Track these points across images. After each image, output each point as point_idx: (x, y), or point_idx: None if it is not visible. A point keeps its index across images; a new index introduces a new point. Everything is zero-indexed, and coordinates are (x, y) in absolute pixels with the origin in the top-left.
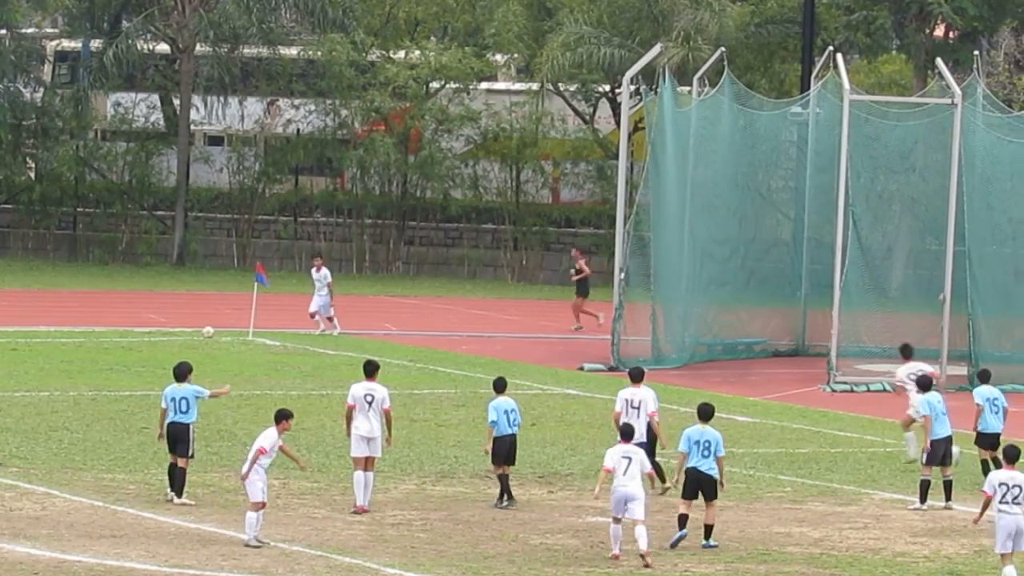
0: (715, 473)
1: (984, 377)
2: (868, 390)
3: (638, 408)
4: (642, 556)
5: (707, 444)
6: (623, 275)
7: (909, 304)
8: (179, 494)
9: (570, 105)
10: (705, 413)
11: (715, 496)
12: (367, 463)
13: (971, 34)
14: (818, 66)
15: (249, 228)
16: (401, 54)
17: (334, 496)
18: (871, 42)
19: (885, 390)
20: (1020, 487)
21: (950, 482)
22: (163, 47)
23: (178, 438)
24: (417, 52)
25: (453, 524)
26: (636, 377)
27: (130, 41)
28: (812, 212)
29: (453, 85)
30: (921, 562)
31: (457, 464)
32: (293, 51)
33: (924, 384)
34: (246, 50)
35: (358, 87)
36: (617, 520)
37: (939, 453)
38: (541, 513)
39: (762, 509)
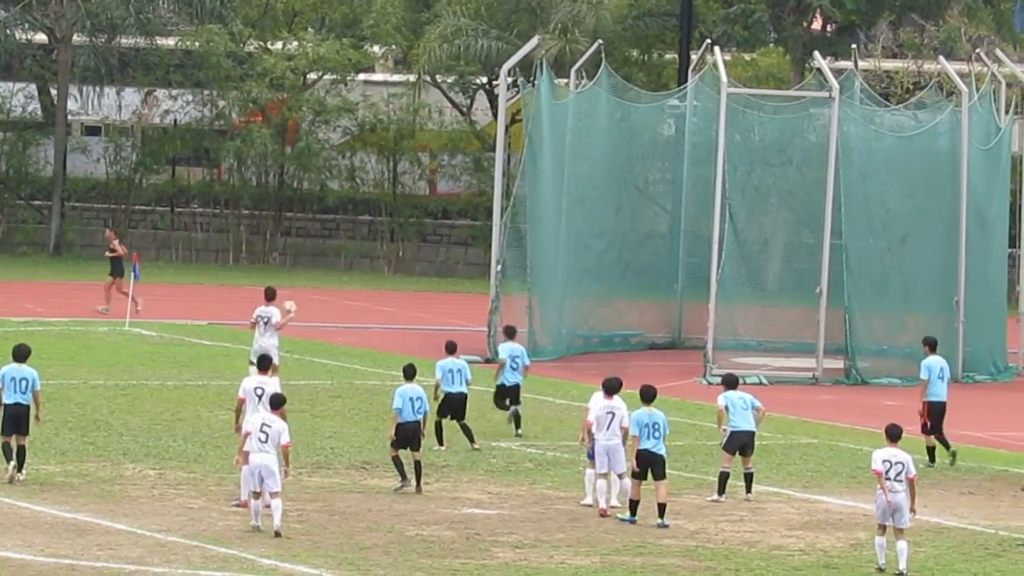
0: (663, 452)
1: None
2: (744, 383)
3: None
4: (604, 510)
5: (655, 425)
6: (500, 267)
7: (785, 297)
8: (20, 468)
9: (447, 97)
10: (648, 395)
11: (664, 475)
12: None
13: (849, 27)
14: (696, 59)
15: (126, 218)
16: (279, 45)
17: (210, 487)
18: (749, 35)
19: (761, 383)
20: (903, 464)
21: (751, 474)
22: (40, 36)
23: (20, 418)
24: (295, 43)
25: (329, 515)
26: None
27: (7, 30)
28: (689, 205)
29: (330, 76)
30: (797, 555)
31: (333, 455)
32: (171, 41)
33: (730, 383)
34: (123, 40)
35: (235, 78)
36: (604, 476)
37: (737, 445)
38: (417, 504)
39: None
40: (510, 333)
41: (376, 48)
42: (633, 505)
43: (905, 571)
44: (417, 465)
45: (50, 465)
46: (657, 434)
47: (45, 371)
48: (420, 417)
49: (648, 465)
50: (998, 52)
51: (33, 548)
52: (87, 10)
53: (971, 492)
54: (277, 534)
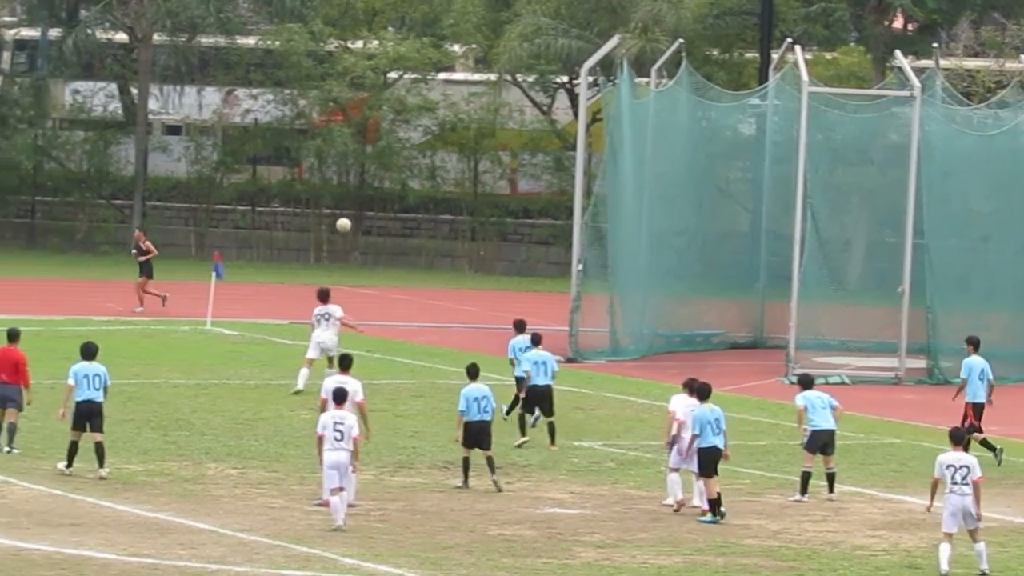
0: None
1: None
2: (826, 382)
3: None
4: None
5: (717, 421)
6: (581, 266)
7: (867, 296)
8: (102, 465)
9: (528, 96)
10: (704, 392)
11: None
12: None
13: (930, 26)
14: (776, 58)
15: (207, 217)
16: (359, 44)
17: (292, 486)
18: (829, 34)
19: (843, 383)
20: (968, 467)
21: (832, 474)
22: (121, 36)
23: (93, 414)
24: (375, 42)
25: (411, 514)
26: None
27: (88, 30)
28: (770, 204)
29: (411, 75)
30: (880, 555)
31: (415, 454)
32: (251, 41)
33: (805, 383)
34: (204, 39)
35: (316, 77)
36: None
37: (818, 444)
38: (499, 504)
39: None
40: (520, 327)
41: (456, 47)
42: (713, 504)
43: (988, 571)
44: (489, 461)
45: (132, 464)
46: (719, 430)
47: (126, 370)
48: (487, 416)
49: (714, 462)
50: None
51: (116, 547)
52: (167, 9)
53: None
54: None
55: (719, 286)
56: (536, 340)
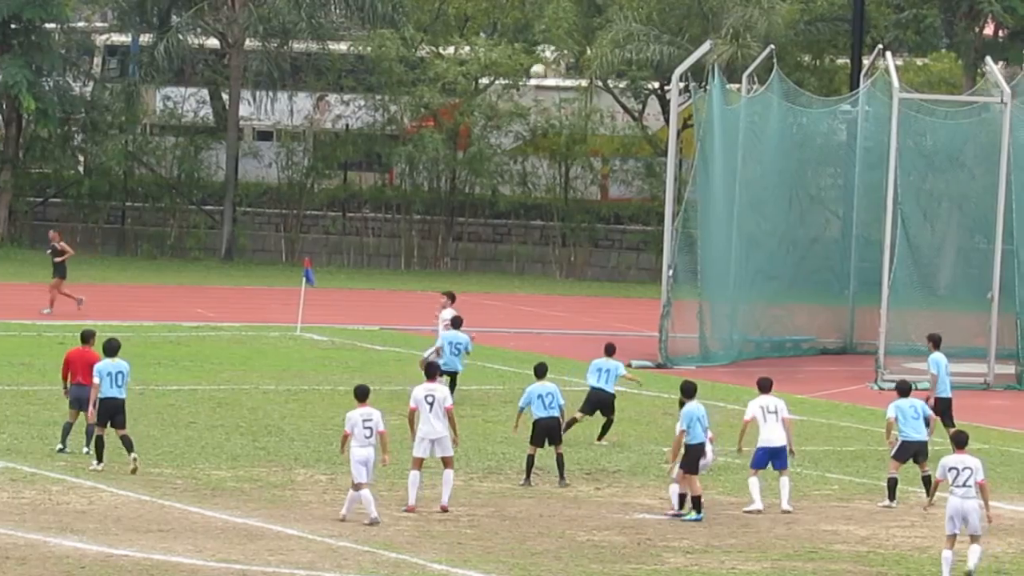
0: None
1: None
2: (916, 388)
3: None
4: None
5: (702, 418)
6: (671, 272)
7: (957, 302)
8: (100, 459)
9: (619, 102)
10: (689, 391)
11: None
12: (444, 462)
13: (1021, 32)
14: (867, 64)
15: (298, 223)
16: (451, 50)
17: (381, 492)
18: (921, 40)
19: None
20: (971, 469)
21: (928, 477)
22: (212, 42)
23: (116, 410)
24: (467, 48)
25: (500, 520)
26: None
27: (180, 36)
28: (861, 210)
29: (502, 81)
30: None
31: (504, 460)
32: (342, 46)
33: (903, 389)
34: (295, 45)
35: (407, 83)
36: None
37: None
38: (588, 510)
39: (809, 507)
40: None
41: (548, 53)
42: (684, 500)
43: (973, 570)
44: (559, 458)
45: (221, 470)
46: (552, 403)
47: (216, 376)
48: (554, 412)
49: (699, 459)
50: None
51: (204, 553)
52: (259, 15)
53: None
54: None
55: (809, 292)
56: (540, 372)
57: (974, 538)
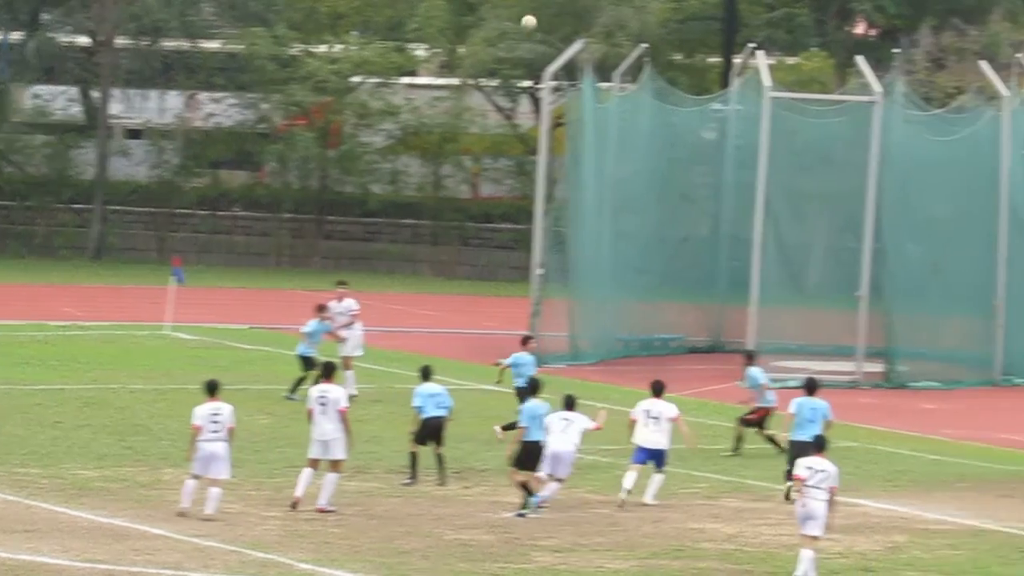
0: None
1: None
2: (784, 387)
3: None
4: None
5: (542, 417)
6: (542, 271)
7: (827, 301)
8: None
9: (491, 101)
10: (534, 388)
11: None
12: (331, 465)
13: (892, 32)
14: (739, 63)
15: (167, 222)
16: (322, 48)
17: (248, 491)
18: (792, 39)
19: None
20: (825, 473)
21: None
22: (83, 39)
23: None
24: (339, 46)
25: (367, 519)
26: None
27: (50, 33)
28: (731, 208)
29: (374, 80)
30: (835, 558)
31: (372, 459)
32: (214, 44)
33: (810, 387)
34: (167, 43)
35: (279, 81)
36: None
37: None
38: (456, 508)
39: (677, 505)
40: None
41: (420, 51)
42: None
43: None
44: (439, 458)
45: (88, 470)
46: (444, 405)
47: (84, 375)
48: (442, 412)
49: (537, 456)
50: None
51: (71, 553)
52: (130, 13)
53: (1009, 495)
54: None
55: (679, 290)
56: (425, 375)
57: (809, 540)
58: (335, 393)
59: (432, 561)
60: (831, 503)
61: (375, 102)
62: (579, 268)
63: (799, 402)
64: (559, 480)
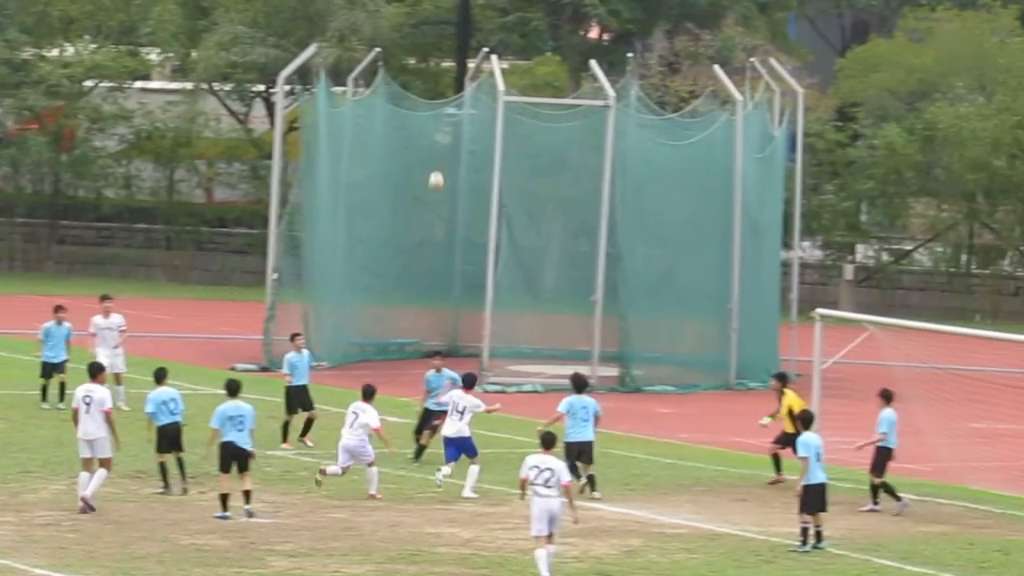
0: (250, 446)
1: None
2: (520, 391)
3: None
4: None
5: (240, 418)
6: (276, 275)
7: (562, 305)
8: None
9: (225, 105)
10: (233, 388)
11: (248, 467)
12: (90, 464)
13: (625, 36)
14: (473, 67)
15: None
16: (55, 52)
17: None
18: (526, 43)
19: (536, 391)
20: (552, 470)
21: (592, 476)
22: None
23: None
24: (71, 50)
25: (103, 524)
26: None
27: None
28: (466, 212)
29: (107, 84)
30: (571, 562)
31: (129, 459)
32: None
33: (579, 385)
34: None
35: (11, 85)
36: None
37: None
38: (192, 513)
39: (413, 510)
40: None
41: (153, 56)
42: (224, 499)
43: (548, 573)
44: (179, 463)
45: None
46: (241, 427)
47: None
48: (177, 418)
49: (233, 459)
50: (772, 61)
51: None
52: None
53: (743, 499)
54: (85, 502)
55: (414, 295)
56: (159, 377)
57: (550, 537)
58: (99, 393)
59: (167, 566)
60: (568, 498)
61: (108, 106)
62: (314, 272)
63: (569, 401)
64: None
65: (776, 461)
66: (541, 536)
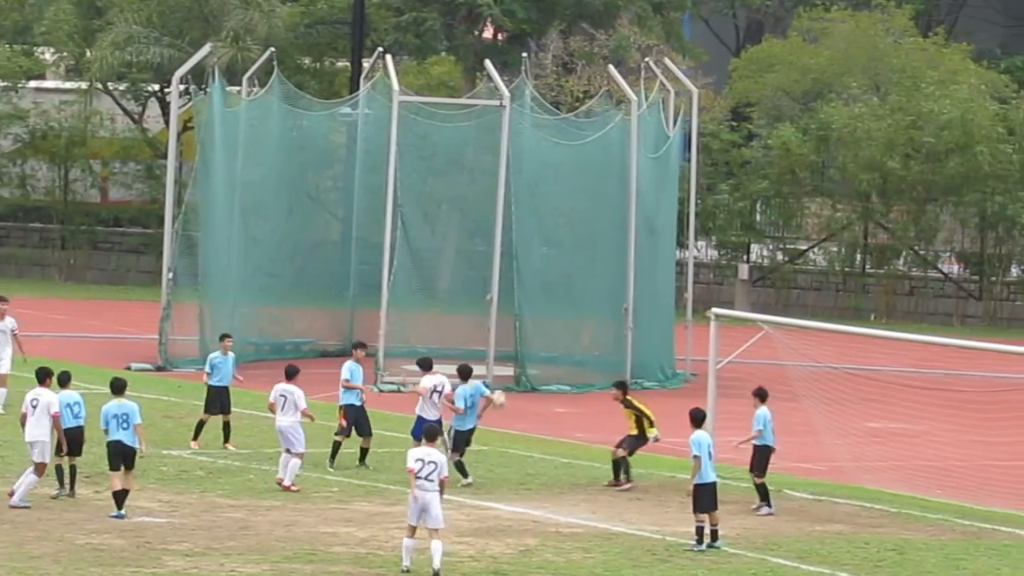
0: (135, 444)
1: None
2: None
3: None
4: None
5: (125, 416)
6: (171, 275)
7: (457, 305)
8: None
9: (119, 104)
10: (117, 387)
11: (133, 466)
12: (38, 468)
13: (520, 36)
14: (368, 67)
15: None
16: None
17: None
18: (421, 43)
19: None
20: (436, 464)
21: (459, 463)
22: None
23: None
24: None
25: None
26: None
27: None
28: (361, 212)
29: (1, 83)
30: (467, 561)
31: (3, 464)
32: None
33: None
34: None
35: None
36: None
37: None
38: (88, 513)
39: (309, 509)
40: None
41: (48, 55)
42: (119, 497)
43: (439, 569)
44: (72, 470)
45: None
46: (127, 425)
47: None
48: (81, 421)
49: (121, 458)
50: (667, 61)
51: None
52: None
53: (639, 498)
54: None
55: (310, 294)
56: (63, 381)
57: (434, 532)
58: (47, 397)
59: (63, 565)
60: (441, 491)
61: (3, 106)
62: (209, 272)
63: (461, 394)
64: (299, 455)
65: (617, 466)
66: (414, 526)
